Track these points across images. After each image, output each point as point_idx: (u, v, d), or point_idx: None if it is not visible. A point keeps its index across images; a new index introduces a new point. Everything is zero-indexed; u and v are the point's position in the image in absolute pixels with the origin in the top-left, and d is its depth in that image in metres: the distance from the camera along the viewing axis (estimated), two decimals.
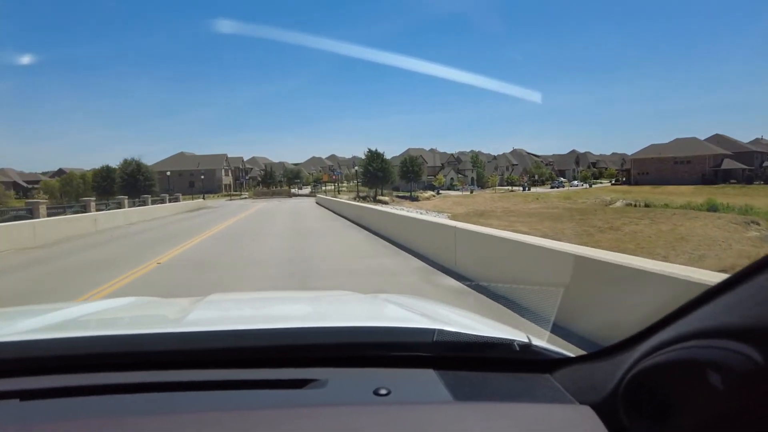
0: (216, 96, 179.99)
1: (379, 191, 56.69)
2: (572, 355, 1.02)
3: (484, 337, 1.05)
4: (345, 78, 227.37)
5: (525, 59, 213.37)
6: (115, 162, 52.12)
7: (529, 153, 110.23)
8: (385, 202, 48.47)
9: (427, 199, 57.19)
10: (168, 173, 47.69)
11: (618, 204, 63.68)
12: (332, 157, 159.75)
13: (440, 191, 68.15)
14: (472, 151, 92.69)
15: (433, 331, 1.02)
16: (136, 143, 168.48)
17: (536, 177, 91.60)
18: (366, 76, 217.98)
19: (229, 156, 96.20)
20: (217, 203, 47.57)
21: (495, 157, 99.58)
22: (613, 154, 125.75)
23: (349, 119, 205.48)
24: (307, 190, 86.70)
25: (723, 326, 0.60)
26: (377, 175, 54.27)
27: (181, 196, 37.98)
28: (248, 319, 1.44)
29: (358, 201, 42.65)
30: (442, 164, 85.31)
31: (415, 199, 55.77)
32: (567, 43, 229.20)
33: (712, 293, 0.63)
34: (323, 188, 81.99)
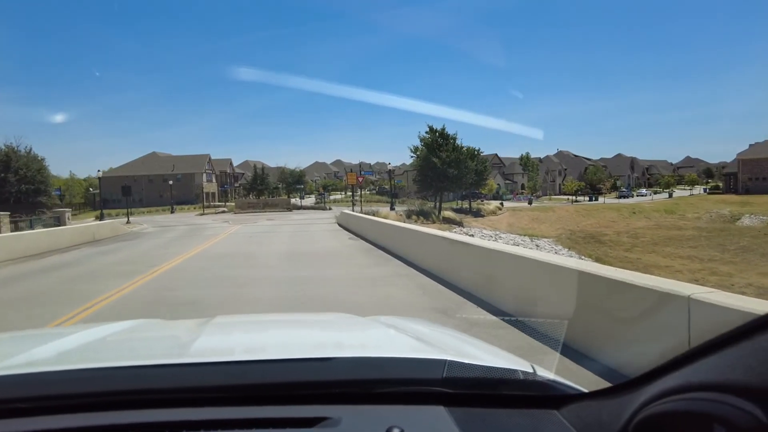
0: (210, 106, 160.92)
1: (425, 202, 36.45)
2: (582, 390, 1.00)
3: (491, 368, 1.03)
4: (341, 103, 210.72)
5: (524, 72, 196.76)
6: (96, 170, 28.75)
7: (576, 155, 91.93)
8: (458, 223, 29.11)
9: (493, 213, 38.19)
10: (99, 172, 28.05)
11: (747, 221, 45.08)
12: (337, 163, 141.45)
13: (503, 202, 49.00)
14: (489, 153, 73.88)
15: (443, 363, 1.00)
16: (128, 153, 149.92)
17: (613, 184, 72.79)
18: (359, 111, 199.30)
19: (213, 158, 77.38)
20: (170, 221, 28.56)
21: (541, 160, 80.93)
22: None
23: (352, 126, 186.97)
24: (310, 199, 68.56)
25: (729, 381, 0.61)
26: (445, 173, 29.90)
27: (69, 214, 18.86)
28: (256, 349, 1.33)
29: (413, 221, 23.58)
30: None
31: (478, 213, 36.66)
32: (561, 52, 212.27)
33: (715, 345, 0.65)
34: (330, 198, 64.04)
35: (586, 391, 0.99)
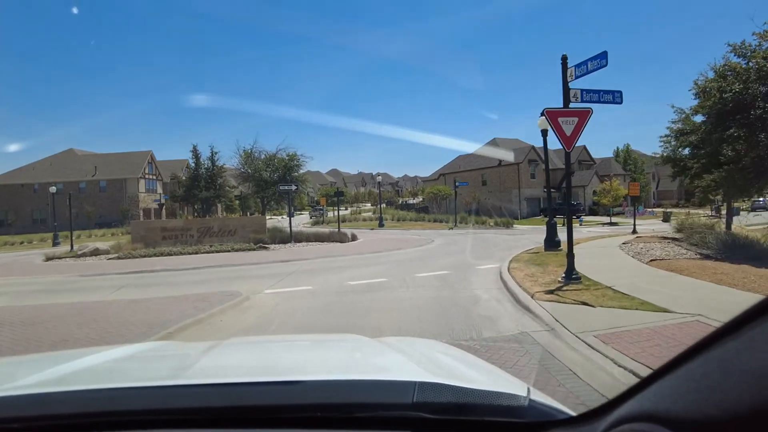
0: (191, 130, 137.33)
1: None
2: (569, 413, 0.96)
3: (467, 391, 0.95)
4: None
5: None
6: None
7: (643, 154, 70.76)
8: None
9: None
10: None
11: None
12: (334, 172, 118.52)
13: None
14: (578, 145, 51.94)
15: (412, 385, 0.94)
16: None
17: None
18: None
19: (158, 159, 52.87)
20: None
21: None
22: None
23: (343, 145, 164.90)
24: (302, 216, 45.85)
25: (662, 411, 0.61)
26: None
27: None
28: (247, 371, 1.35)
29: None
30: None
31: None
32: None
33: (662, 371, 0.65)
34: (327, 213, 41.78)
35: (570, 415, 0.94)
